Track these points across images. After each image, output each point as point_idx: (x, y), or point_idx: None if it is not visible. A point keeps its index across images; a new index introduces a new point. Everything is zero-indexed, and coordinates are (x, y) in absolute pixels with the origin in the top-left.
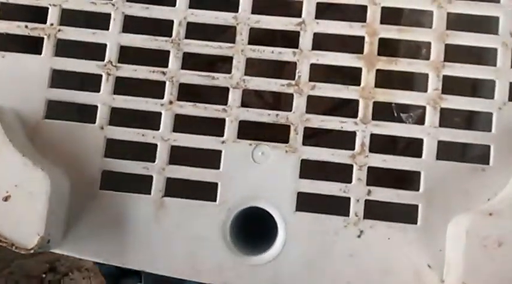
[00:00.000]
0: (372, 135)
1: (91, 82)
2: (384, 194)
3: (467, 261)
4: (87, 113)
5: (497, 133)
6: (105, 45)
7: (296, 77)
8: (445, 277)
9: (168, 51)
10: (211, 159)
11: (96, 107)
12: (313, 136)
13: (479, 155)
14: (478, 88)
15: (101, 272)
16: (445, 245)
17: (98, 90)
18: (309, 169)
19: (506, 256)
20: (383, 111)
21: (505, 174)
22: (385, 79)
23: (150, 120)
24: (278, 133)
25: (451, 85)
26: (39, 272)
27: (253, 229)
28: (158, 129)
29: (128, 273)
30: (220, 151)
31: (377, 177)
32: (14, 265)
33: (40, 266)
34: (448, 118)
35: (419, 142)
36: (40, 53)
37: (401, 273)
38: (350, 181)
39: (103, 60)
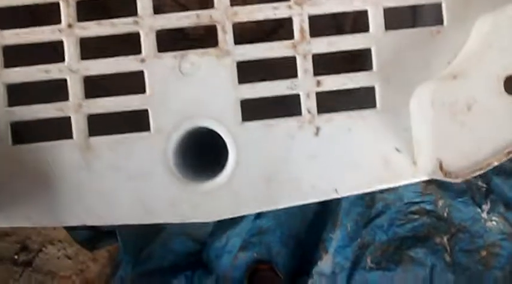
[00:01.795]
0: (310, 18)
1: None
2: (335, 81)
3: (438, 133)
4: None
5: None
6: None
7: None
8: (416, 157)
9: None
10: (134, 84)
11: None
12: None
13: (430, 18)
14: None
15: (75, 240)
16: (410, 123)
17: None
18: (248, 72)
19: (477, 118)
20: None
21: (462, 31)
22: None
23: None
24: (204, 39)
25: None
26: (10, 253)
27: (199, 158)
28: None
29: (103, 235)
30: (142, 72)
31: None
32: None
33: (11, 248)
34: None
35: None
36: None
37: (370, 164)
38: (296, 76)
39: None
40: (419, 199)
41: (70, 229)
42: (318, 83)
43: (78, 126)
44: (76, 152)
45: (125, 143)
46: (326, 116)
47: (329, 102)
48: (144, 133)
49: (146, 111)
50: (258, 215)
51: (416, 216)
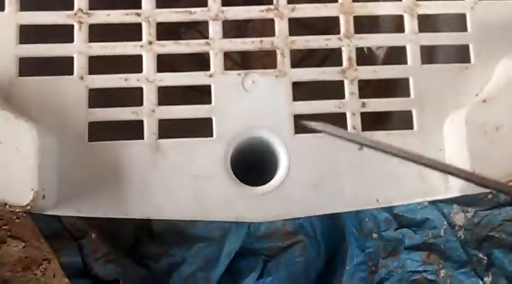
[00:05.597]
0: (357, 49)
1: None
2: (378, 104)
3: (472, 149)
4: (63, 65)
5: (472, 32)
6: None
7: (274, 1)
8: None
9: None
10: (202, 96)
11: (72, 58)
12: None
13: (458, 56)
14: None
15: None
16: (443, 144)
17: (72, 41)
18: (302, 91)
19: (505, 138)
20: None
21: (487, 68)
22: None
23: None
24: (265, 60)
25: None
26: None
27: (252, 163)
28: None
29: None
30: (209, 86)
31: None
32: None
33: None
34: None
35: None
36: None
37: (408, 178)
38: (343, 97)
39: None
40: (422, 269)
41: (72, 278)
42: (363, 104)
43: (150, 128)
44: (146, 152)
45: (189, 146)
46: (369, 133)
47: (372, 121)
48: (207, 139)
49: (211, 119)
50: (261, 275)
51: None
